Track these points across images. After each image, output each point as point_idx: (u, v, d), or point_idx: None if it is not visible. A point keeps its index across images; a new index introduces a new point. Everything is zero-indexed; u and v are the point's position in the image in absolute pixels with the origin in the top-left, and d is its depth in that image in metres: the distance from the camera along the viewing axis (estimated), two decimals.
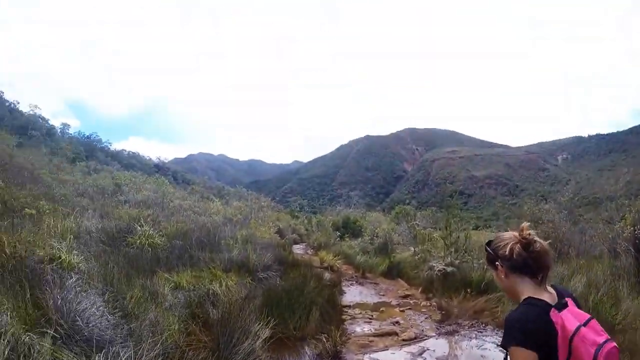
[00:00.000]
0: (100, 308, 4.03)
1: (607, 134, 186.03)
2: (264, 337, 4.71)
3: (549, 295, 1.80)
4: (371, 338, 6.43)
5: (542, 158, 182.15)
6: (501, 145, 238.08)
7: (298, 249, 19.77)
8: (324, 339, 5.39)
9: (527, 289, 1.83)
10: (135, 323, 4.12)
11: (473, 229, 20.09)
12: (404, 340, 6.37)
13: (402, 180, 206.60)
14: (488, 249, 1.98)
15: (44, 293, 3.86)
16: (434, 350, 5.93)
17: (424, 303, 9.28)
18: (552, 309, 1.72)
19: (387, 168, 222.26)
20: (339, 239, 21.91)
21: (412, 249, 14.16)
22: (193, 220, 13.36)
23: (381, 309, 8.73)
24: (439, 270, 10.11)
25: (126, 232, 9.29)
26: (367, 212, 32.79)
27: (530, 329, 1.68)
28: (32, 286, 4.01)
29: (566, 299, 1.79)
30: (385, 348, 5.99)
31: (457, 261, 10.47)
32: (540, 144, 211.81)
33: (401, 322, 7.55)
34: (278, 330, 5.24)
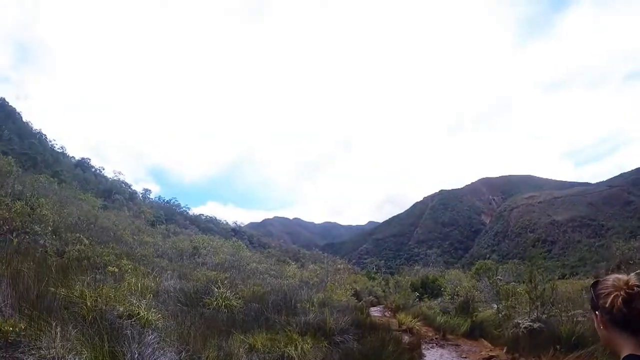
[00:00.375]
0: None
1: None
2: None
3: None
4: None
5: (626, 190, 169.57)
6: (581, 183, 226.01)
7: (375, 312, 19.42)
8: None
9: (627, 346, 1.64)
10: None
11: (559, 279, 18.94)
12: None
13: (481, 234, 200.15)
14: (592, 292, 1.79)
15: (122, 346, 3.94)
16: None
17: None
18: None
19: (464, 222, 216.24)
20: (417, 299, 21.40)
21: (495, 306, 13.52)
22: (269, 283, 13.49)
23: None
24: (524, 327, 9.55)
25: (203, 293, 9.55)
26: (446, 270, 32.27)
27: None
28: (110, 339, 4.10)
29: None
30: None
31: (543, 316, 9.85)
32: (622, 175, 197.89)
33: None
34: None
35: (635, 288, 1.63)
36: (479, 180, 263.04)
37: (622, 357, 1.63)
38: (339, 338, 8.98)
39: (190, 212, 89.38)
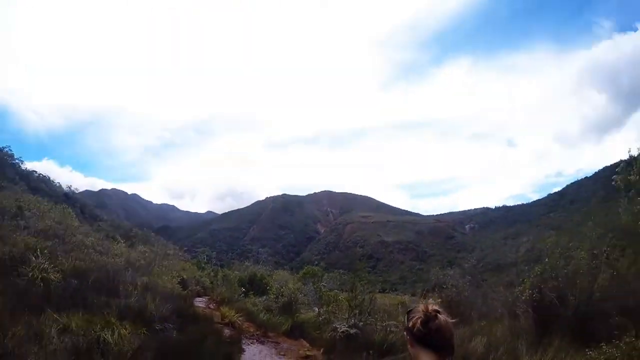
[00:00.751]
0: None
1: (512, 206, 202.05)
2: None
3: None
4: None
5: (451, 227, 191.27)
6: (413, 213, 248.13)
7: (200, 302, 19.09)
8: None
9: None
10: None
11: (380, 292, 20.45)
12: None
13: (314, 241, 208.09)
14: (406, 317, 2.10)
15: None
16: None
17: None
18: None
19: (300, 227, 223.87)
20: (243, 295, 21.49)
21: (317, 309, 14.14)
22: (93, 260, 12.57)
23: None
24: (342, 332, 10.14)
25: (19, 261, 8.65)
26: (275, 270, 32.46)
27: None
28: None
29: None
30: None
31: (360, 323, 10.53)
32: (450, 214, 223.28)
33: None
34: None
35: (431, 312, 1.95)
36: (322, 192, 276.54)
37: None
38: (159, 326, 8.81)
39: (23, 167, 79.31)
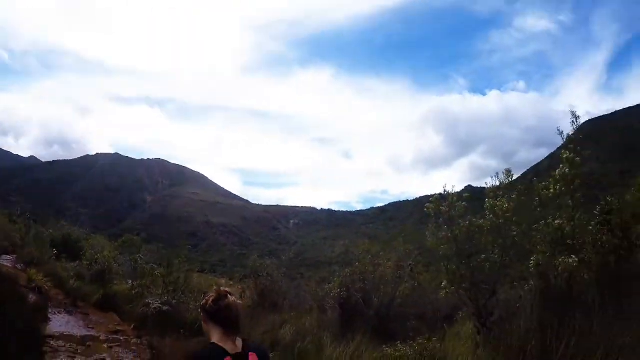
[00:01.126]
0: None
1: (337, 211, 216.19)
2: None
3: (232, 346, 2.21)
4: None
5: (277, 219, 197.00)
6: (243, 199, 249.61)
7: (6, 261, 17.27)
8: None
9: (215, 336, 2.25)
10: None
11: (198, 272, 20.47)
12: None
13: (139, 210, 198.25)
14: (202, 298, 2.44)
15: None
16: None
17: (134, 340, 9.07)
18: (228, 356, 2.15)
19: (127, 193, 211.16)
20: (55, 257, 19.99)
21: (131, 282, 13.79)
22: None
23: (88, 344, 8.26)
24: (154, 308, 10.07)
25: None
26: (92, 235, 30.33)
27: None
28: None
29: (250, 353, 2.25)
30: None
31: (174, 301, 10.56)
32: (277, 207, 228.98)
33: (107, 359, 7.27)
34: None
35: (222, 292, 2.32)
36: (156, 160, 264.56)
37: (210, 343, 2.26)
38: None
39: None
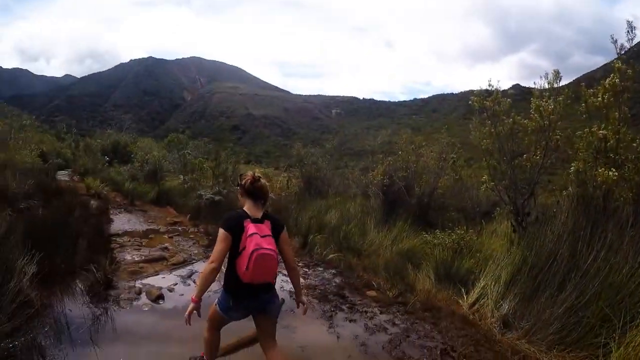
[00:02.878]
0: None
1: (379, 101, 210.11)
2: (31, 274, 4.38)
3: (255, 214, 2.95)
4: (141, 264, 6.49)
5: (318, 109, 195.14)
6: (283, 90, 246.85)
7: (63, 176, 18.14)
8: (94, 269, 5.32)
9: (246, 206, 3.01)
10: None
11: (244, 163, 20.98)
12: (173, 264, 6.58)
13: (180, 109, 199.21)
14: (239, 178, 3.17)
15: None
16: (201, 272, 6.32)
17: (192, 229, 9.56)
18: (248, 219, 2.87)
19: (166, 94, 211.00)
20: (107, 164, 20.89)
21: (182, 177, 14.34)
22: None
23: (150, 236, 8.79)
24: (206, 199, 10.68)
25: None
26: (138, 138, 31.03)
27: (230, 222, 2.88)
28: None
29: (266, 221, 2.95)
30: (156, 273, 6.14)
31: (224, 190, 11.10)
32: (318, 96, 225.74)
33: (170, 248, 7.66)
34: (45, 264, 4.88)
35: (256, 177, 3.04)
36: (190, 58, 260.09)
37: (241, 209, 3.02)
38: (23, 204, 8.50)
39: None
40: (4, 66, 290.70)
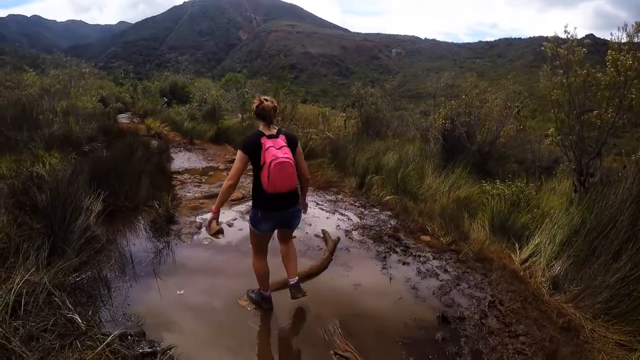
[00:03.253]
0: None
1: (442, 42, 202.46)
2: (96, 211, 4.65)
3: (269, 131, 3.30)
4: (201, 200, 6.73)
5: (378, 48, 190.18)
6: (341, 27, 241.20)
7: (123, 118, 18.65)
8: (156, 205, 5.57)
9: (260, 126, 3.37)
10: None
11: (301, 102, 20.87)
12: (232, 200, 6.72)
13: (236, 48, 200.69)
14: (253, 104, 3.41)
15: None
16: None
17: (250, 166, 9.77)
18: (264, 136, 3.23)
19: (222, 34, 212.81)
20: (166, 105, 21.28)
21: (240, 115, 14.40)
22: (4, 96, 11.54)
23: (210, 173, 9.10)
24: None
25: None
26: (196, 79, 31.34)
27: (247, 143, 3.29)
28: None
29: (281, 135, 3.31)
30: None
31: (283, 129, 11.03)
32: (378, 35, 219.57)
33: None
34: (110, 202, 5.11)
35: (263, 99, 3.35)
36: None
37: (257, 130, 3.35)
38: (87, 147, 8.89)
39: None
40: (58, 19, 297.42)
